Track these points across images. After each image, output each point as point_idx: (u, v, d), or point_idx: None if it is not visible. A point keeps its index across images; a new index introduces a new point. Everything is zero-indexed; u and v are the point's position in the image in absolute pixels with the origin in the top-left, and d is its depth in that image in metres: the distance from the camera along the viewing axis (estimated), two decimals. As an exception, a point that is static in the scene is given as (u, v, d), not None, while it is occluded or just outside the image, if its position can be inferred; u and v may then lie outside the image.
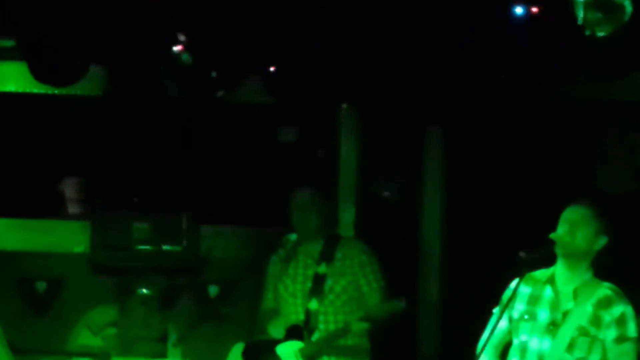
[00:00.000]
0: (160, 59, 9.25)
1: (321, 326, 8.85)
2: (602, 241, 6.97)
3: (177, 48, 9.07)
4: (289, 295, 8.95)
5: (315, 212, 8.93)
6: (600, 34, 7.47)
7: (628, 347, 6.91)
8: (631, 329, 6.90)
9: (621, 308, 6.91)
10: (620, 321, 6.89)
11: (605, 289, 6.96)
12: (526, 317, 7.02)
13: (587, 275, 7.00)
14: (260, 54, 9.22)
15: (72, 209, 10.71)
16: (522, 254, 6.90)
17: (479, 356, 7.00)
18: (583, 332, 6.88)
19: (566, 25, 7.49)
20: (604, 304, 6.92)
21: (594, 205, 7.03)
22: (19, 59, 9.20)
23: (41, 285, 10.19)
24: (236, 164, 10.31)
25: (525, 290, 7.05)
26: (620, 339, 6.89)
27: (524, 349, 7.02)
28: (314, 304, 8.85)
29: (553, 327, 6.93)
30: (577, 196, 7.11)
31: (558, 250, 6.93)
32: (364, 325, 8.76)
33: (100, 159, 10.52)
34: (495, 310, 7.13)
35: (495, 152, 10.18)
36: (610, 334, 6.88)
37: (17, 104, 10.32)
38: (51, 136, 10.47)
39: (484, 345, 7.00)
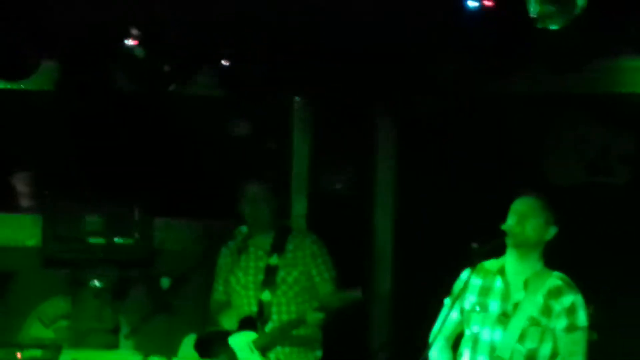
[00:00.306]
0: (113, 52, 9.19)
1: (274, 317, 8.86)
2: (552, 231, 7.04)
3: (129, 42, 9.02)
4: (241, 287, 8.96)
5: (266, 204, 8.95)
6: (553, 27, 7.47)
7: (578, 335, 6.96)
8: (581, 318, 6.96)
9: (571, 297, 6.96)
10: (571, 310, 6.94)
11: (555, 279, 7.02)
12: (477, 308, 7.06)
13: (538, 265, 7.07)
14: (213, 47, 9.20)
15: (24, 202, 10.63)
16: (474, 245, 6.93)
17: (430, 346, 7.03)
18: (534, 322, 6.93)
19: (518, 18, 7.49)
20: (555, 293, 6.97)
21: (543, 196, 7.10)
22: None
23: (-7, 278, 10.15)
24: (189, 157, 10.34)
25: (476, 281, 7.10)
26: (571, 328, 6.95)
27: (475, 340, 7.05)
28: (266, 295, 8.87)
29: (504, 317, 6.98)
30: (527, 188, 7.17)
31: (508, 241, 6.98)
32: (319, 316, 8.77)
33: (52, 153, 10.45)
34: (447, 301, 7.19)
35: (446, 145, 10.20)
36: (561, 323, 6.93)
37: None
38: (3, 131, 10.40)
39: (436, 336, 7.05)
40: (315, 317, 8.77)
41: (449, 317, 7.09)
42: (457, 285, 7.15)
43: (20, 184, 10.64)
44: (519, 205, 7.04)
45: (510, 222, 6.98)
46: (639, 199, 9.86)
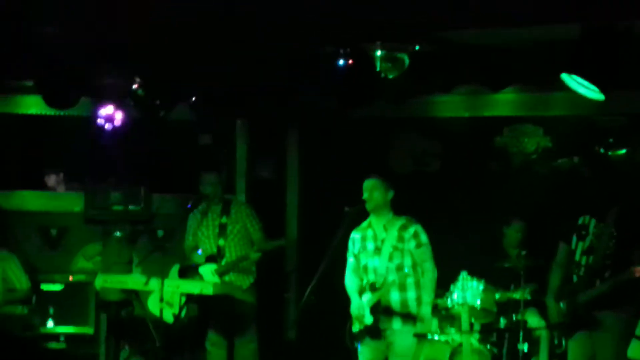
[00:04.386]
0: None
1: (227, 255, 8.64)
2: (391, 194, 7.14)
3: (135, 86, 8.63)
4: (206, 237, 8.75)
5: (219, 186, 8.79)
6: (390, 76, 7.37)
7: (424, 249, 7.10)
8: (423, 238, 7.10)
9: (414, 228, 7.11)
10: (415, 235, 7.08)
11: (402, 220, 7.14)
12: (361, 250, 7.16)
13: (389, 215, 7.15)
14: (187, 90, 8.87)
15: (75, 186, 10.23)
16: (347, 208, 6.93)
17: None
18: (394, 248, 7.03)
19: (369, 70, 7.33)
20: (403, 228, 7.10)
21: (380, 175, 7.18)
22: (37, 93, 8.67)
23: (54, 231, 9.80)
24: (173, 157, 10.04)
25: (356, 236, 7.20)
26: (418, 246, 7.08)
27: (365, 267, 7.14)
28: (221, 242, 8.67)
29: (377, 250, 7.06)
30: (371, 172, 7.23)
31: (367, 206, 7.07)
32: (258, 255, 8.59)
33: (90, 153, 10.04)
34: (348, 255, 7.26)
35: (330, 147, 9.99)
36: (411, 244, 7.06)
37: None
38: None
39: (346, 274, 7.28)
40: (255, 255, 8.59)
41: (349, 262, 7.23)
42: (350, 243, 7.24)
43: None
44: (367, 183, 7.11)
45: (365, 196, 7.06)
46: (443, 180, 9.75)
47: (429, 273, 7.02)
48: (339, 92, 7.71)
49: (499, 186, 9.42)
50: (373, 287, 7.00)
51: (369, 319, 6.97)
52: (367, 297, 7.00)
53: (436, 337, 8.17)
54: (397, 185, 7.18)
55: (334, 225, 7.10)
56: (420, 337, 8.20)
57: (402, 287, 7.03)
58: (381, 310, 6.99)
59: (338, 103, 8.12)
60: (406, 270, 6.99)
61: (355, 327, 7.07)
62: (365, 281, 7.11)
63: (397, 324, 7.00)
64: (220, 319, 8.70)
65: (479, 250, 8.77)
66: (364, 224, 7.16)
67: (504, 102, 9.24)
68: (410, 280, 7.04)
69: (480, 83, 7.81)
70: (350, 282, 7.19)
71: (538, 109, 9.21)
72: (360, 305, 7.01)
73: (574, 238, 6.73)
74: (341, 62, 7.32)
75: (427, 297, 7.03)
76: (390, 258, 7.00)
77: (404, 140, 10.05)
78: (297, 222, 10.26)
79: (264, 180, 10.34)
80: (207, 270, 8.53)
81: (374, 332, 7.02)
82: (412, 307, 7.04)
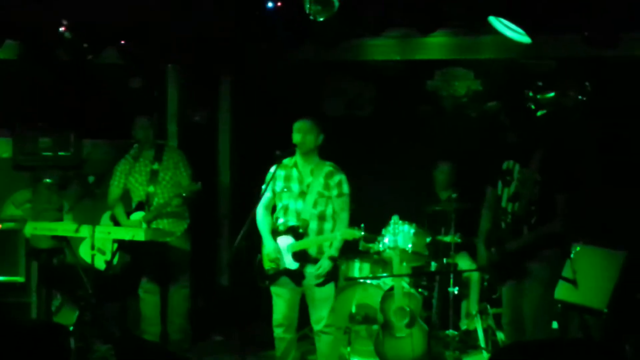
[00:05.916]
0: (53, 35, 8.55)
1: (155, 202, 8.44)
2: (322, 137, 7.06)
3: (62, 29, 8.40)
4: (139, 184, 8.53)
5: (151, 130, 8.59)
6: (320, 19, 7.29)
7: (344, 199, 7.05)
8: (345, 189, 7.05)
9: (338, 176, 7.05)
10: (339, 184, 7.03)
11: (328, 166, 7.07)
12: (285, 189, 7.05)
13: (317, 160, 7.08)
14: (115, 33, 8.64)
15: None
16: (278, 152, 6.96)
17: (255, 213, 7.05)
18: (320, 195, 6.98)
19: (299, 13, 7.24)
20: (329, 175, 7.04)
21: (314, 118, 7.08)
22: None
23: (-20, 178, 9.57)
24: (104, 100, 9.73)
25: (280, 172, 7.08)
26: (339, 195, 7.03)
27: (286, 209, 7.06)
28: (151, 189, 8.47)
29: (303, 194, 6.99)
30: (306, 115, 7.12)
31: (298, 149, 7.00)
32: (179, 200, 8.37)
33: (18, 98, 9.76)
34: (263, 187, 7.06)
35: (260, 91, 9.90)
36: (334, 192, 7.02)
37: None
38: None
39: (257, 207, 7.07)
40: (176, 201, 8.38)
41: (265, 195, 7.07)
42: (268, 176, 7.09)
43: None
44: (299, 125, 7.02)
45: (297, 138, 6.98)
46: (376, 123, 9.78)
47: (344, 222, 7.00)
48: (269, 35, 7.61)
49: (431, 130, 9.45)
50: (296, 233, 6.94)
51: (292, 264, 6.93)
52: (289, 242, 6.95)
53: (368, 282, 8.21)
54: (330, 129, 7.11)
55: (265, 170, 7.15)
56: (351, 280, 8.25)
57: (320, 234, 7.00)
58: (300, 255, 6.95)
59: (268, 46, 8.00)
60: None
61: (267, 266, 7.03)
62: (282, 221, 7.04)
63: (312, 269, 6.97)
64: (154, 266, 8.58)
65: (410, 194, 8.79)
66: (289, 161, 7.06)
67: (435, 46, 9.22)
68: (328, 227, 7.01)
69: (411, 26, 7.73)
70: (263, 220, 7.10)
71: (468, 52, 9.22)
72: (276, 248, 6.97)
73: (500, 184, 6.67)
74: (270, 4, 7.21)
75: (336, 243, 7.00)
76: (315, 205, 6.95)
77: (337, 84, 10.02)
78: (229, 167, 10.19)
79: (196, 125, 10.23)
80: (137, 218, 8.39)
81: (297, 277, 6.98)
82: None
